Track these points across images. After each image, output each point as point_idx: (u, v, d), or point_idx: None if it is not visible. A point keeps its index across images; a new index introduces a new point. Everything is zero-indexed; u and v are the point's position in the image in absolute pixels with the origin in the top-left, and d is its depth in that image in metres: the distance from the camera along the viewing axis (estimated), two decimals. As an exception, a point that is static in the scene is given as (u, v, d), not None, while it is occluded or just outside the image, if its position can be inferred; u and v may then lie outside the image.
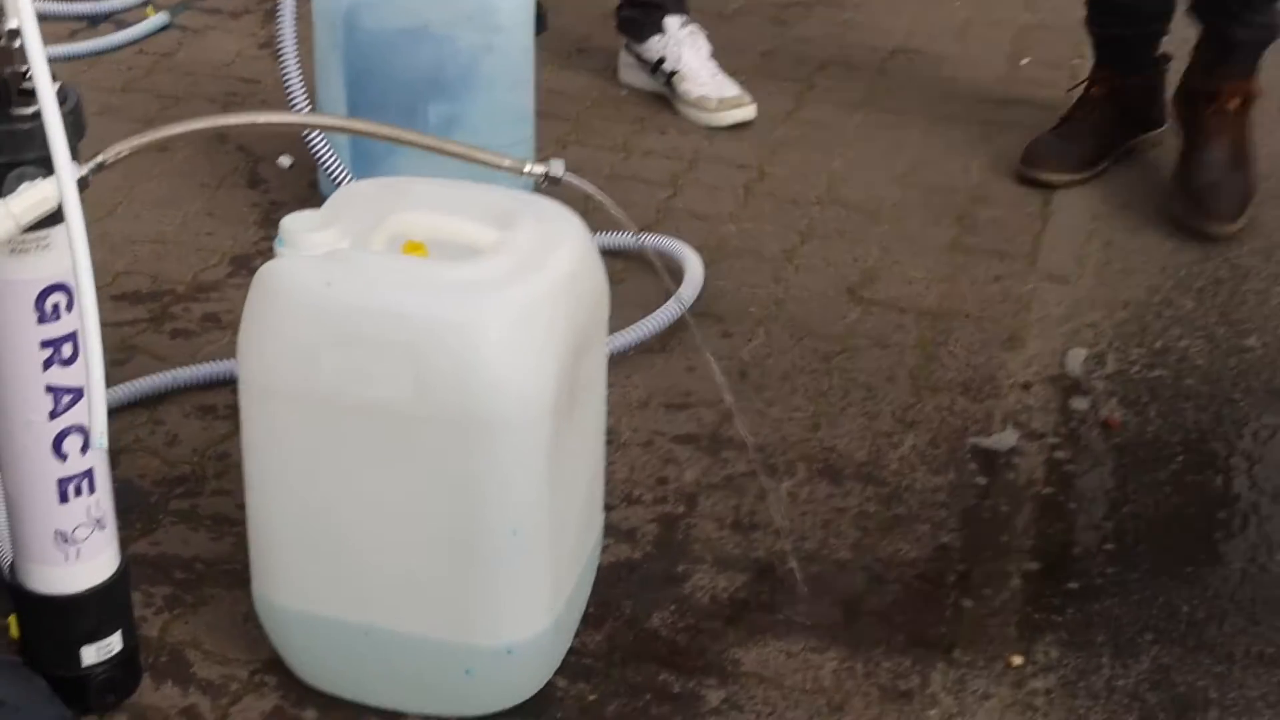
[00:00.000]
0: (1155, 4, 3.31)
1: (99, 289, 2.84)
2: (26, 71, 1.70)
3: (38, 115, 1.68)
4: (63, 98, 1.78)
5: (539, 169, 1.86)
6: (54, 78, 1.73)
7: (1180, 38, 3.39)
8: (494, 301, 1.81)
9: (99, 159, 1.73)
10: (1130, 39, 3.38)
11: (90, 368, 1.60)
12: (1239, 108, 3.25)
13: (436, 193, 2.00)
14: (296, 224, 1.89)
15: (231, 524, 2.31)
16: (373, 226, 1.93)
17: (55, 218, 1.73)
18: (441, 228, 1.93)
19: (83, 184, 1.71)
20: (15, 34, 1.70)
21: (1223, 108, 3.24)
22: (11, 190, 1.71)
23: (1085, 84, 3.44)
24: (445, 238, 1.92)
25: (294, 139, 3.28)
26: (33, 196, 1.69)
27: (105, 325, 2.74)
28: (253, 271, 2.90)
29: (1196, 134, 3.26)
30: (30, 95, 1.71)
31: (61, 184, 1.62)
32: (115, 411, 2.55)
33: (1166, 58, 3.43)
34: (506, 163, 1.86)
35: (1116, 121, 3.41)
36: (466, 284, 1.81)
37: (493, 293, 1.81)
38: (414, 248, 1.92)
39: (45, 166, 1.70)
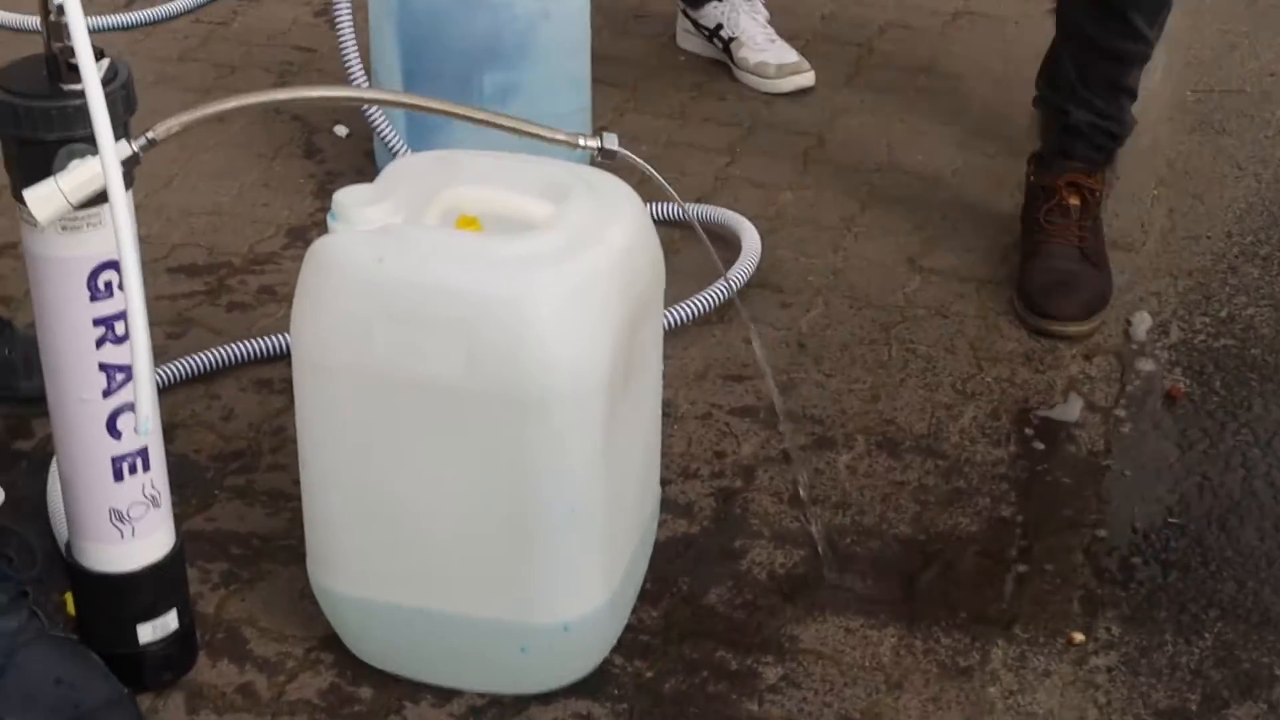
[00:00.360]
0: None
1: (155, 261, 2.87)
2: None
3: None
4: (113, 73, 1.77)
5: (592, 143, 1.84)
6: (103, 53, 1.73)
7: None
8: (547, 277, 1.79)
9: (149, 134, 1.71)
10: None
11: (136, 353, 1.59)
12: (1081, 205, 2.91)
13: (490, 166, 1.98)
14: (349, 198, 1.88)
15: (287, 499, 2.31)
16: (426, 201, 1.91)
17: (106, 194, 1.72)
18: (495, 202, 1.91)
19: (134, 160, 1.70)
20: (61, 9, 1.69)
21: (1062, 204, 2.90)
22: (62, 167, 1.70)
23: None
24: (499, 212, 1.90)
25: (350, 109, 3.27)
26: (83, 174, 1.68)
27: (162, 298, 2.77)
28: (309, 243, 2.91)
29: (1035, 235, 2.90)
30: (79, 70, 1.70)
31: (104, 163, 1.60)
32: (171, 387, 2.55)
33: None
34: (561, 136, 1.83)
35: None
36: (520, 259, 1.80)
37: (546, 268, 1.79)
38: (468, 222, 1.90)
39: (96, 143, 1.69)
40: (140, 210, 2.96)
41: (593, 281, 1.81)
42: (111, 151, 1.61)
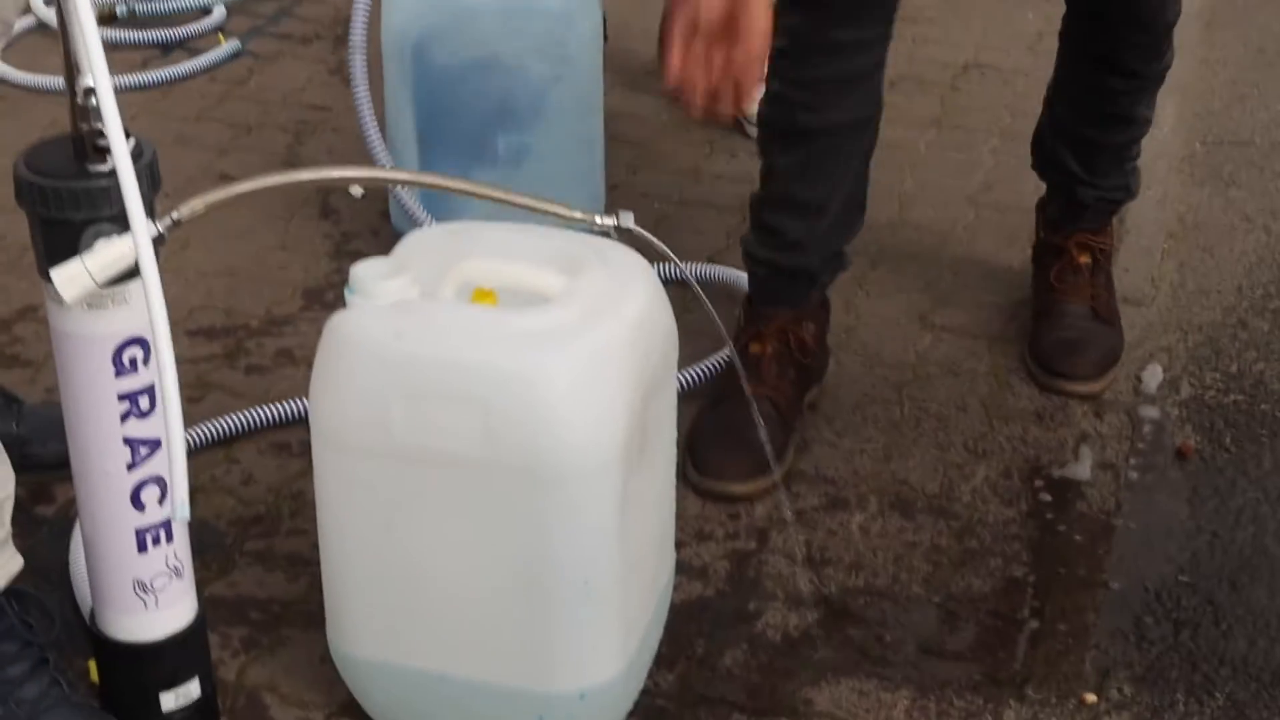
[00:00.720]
0: None
1: (174, 324, 2.85)
2: (102, 129, 1.72)
3: (114, 172, 1.70)
4: (138, 153, 1.80)
5: (609, 221, 1.86)
6: (128, 133, 1.76)
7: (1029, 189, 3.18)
8: (562, 352, 1.81)
9: (175, 215, 1.74)
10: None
11: (171, 442, 1.61)
12: (1091, 264, 2.90)
13: (504, 239, 2.01)
14: (367, 272, 1.90)
15: (306, 564, 2.33)
16: (442, 273, 1.94)
17: (131, 272, 1.75)
18: (510, 275, 1.94)
19: (159, 241, 1.72)
20: (91, 92, 1.72)
21: (1073, 263, 2.89)
22: (88, 247, 1.73)
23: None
24: (514, 285, 1.93)
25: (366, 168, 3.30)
26: (109, 254, 1.70)
27: (181, 362, 2.74)
28: (325, 305, 2.96)
29: (1046, 295, 2.90)
30: (106, 152, 1.73)
31: (139, 249, 1.63)
32: (191, 453, 2.57)
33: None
34: (578, 214, 1.86)
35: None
36: (534, 334, 1.82)
37: (561, 343, 1.82)
38: (483, 295, 1.93)
39: (121, 223, 1.71)
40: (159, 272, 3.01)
41: (607, 355, 1.84)
42: (145, 236, 1.63)
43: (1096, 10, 2.69)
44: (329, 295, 3.02)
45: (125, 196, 1.64)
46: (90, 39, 1.64)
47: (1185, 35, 4.13)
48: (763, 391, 2.60)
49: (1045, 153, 2.92)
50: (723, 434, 2.57)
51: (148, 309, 1.64)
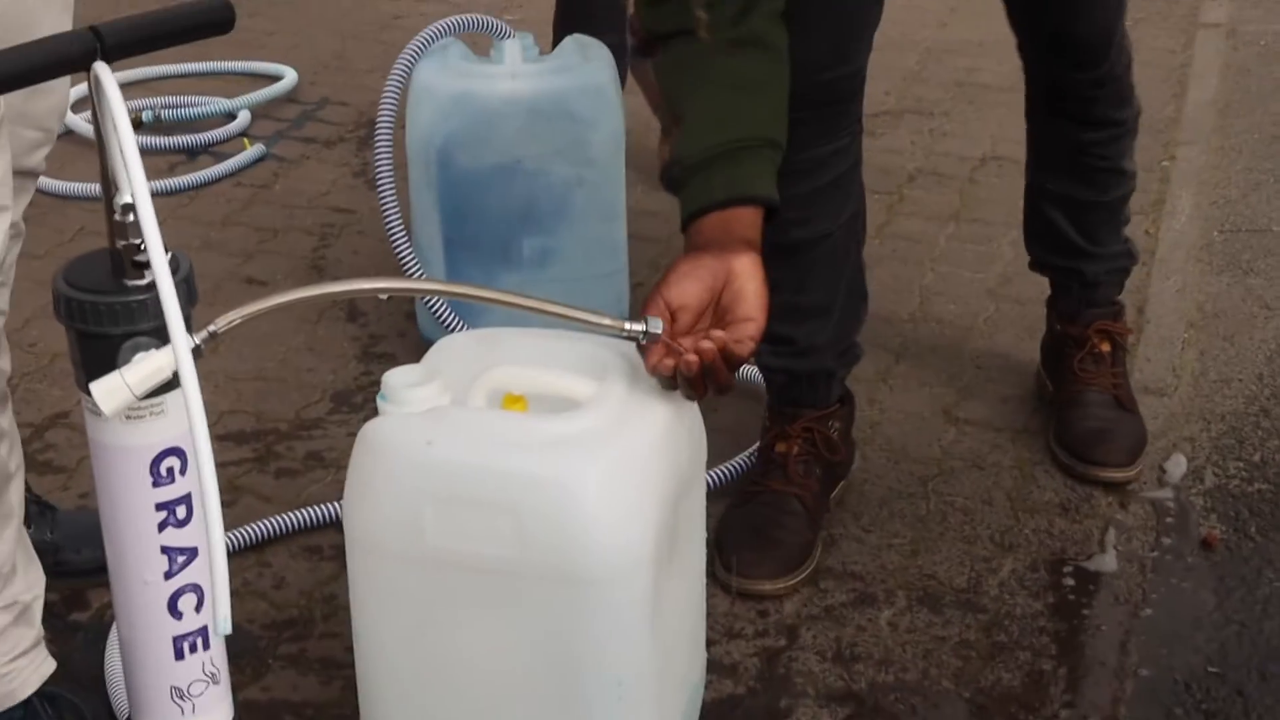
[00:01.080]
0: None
1: (203, 429, 2.92)
2: (140, 244, 1.76)
3: (151, 286, 1.73)
4: (175, 266, 1.83)
5: (637, 327, 1.89)
6: (165, 248, 1.80)
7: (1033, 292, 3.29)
8: (592, 457, 1.83)
9: (210, 328, 1.77)
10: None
11: (214, 559, 1.63)
12: (1112, 351, 2.93)
13: (533, 344, 2.03)
14: (398, 380, 1.93)
15: (340, 667, 2.35)
16: (472, 380, 1.97)
17: (169, 384, 1.78)
18: (539, 381, 1.96)
19: (196, 353, 1.75)
20: (129, 208, 1.76)
21: (1094, 352, 2.91)
22: (126, 361, 1.76)
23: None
24: (543, 391, 1.95)
25: (392, 271, 3.32)
26: (147, 367, 1.73)
27: (211, 466, 2.81)
28: (354, 408, 2.99)
29: (1069, 384, 2.91)
30: (144, 267, 1.77)
31: (180, 367, 1.66)
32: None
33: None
34: (606, 321, 1.89)
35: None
36: (564, 439, 1.84)
37: (591, 447, 1.84)
38: (513, 401, 1.95)
39: (159, 336, 1.75)
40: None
41: (636, 459, 1.86)
42: (187, 354, 1.66)
43: (1046, 64, 2.75)
44: (357, 398, 3.05)
45: (166, 314, 1.67)
46: (130, 156, 1.67)
47: (1199, 124, 4.21)
48: (790, 489, 2.64)
49: (1042, 233, 2.96)
50: (751, 532, 2.60)
51: (190, 426, 1.66)
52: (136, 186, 1.69)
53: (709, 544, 2.24)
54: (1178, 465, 2.84)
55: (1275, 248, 3.63)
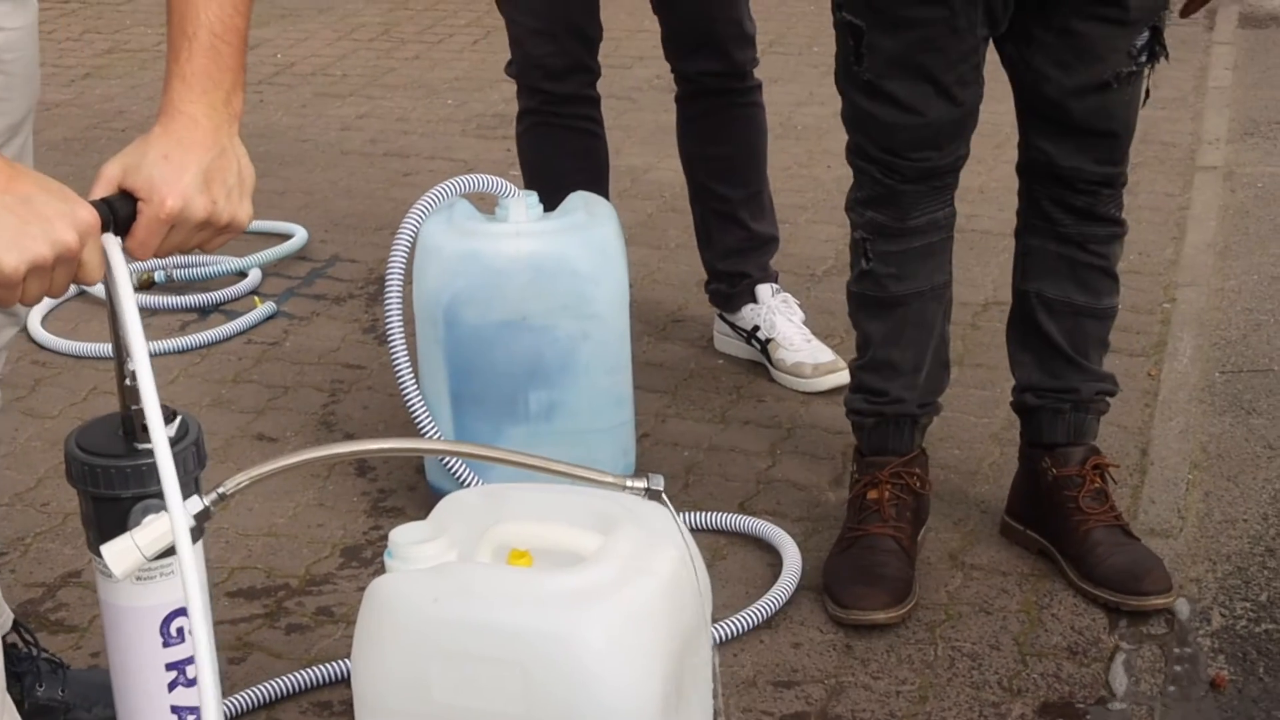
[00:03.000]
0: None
1: (215, 585, 2.96)
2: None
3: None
4: (184, 430, 1.87)
5: (639, 484, 1.91)
6: (175, 413, 1.83)
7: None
8: (597, 612, 1.86)
9: (220, 490, 1.80)
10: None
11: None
12: (1104, 484, 2.98)
13: (539, 500, 2.06)
14: (405, 537, 1.96)
15: (350, 825, 2.35)
16: (478, 536, 1.99)
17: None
18: (545, 536, 1.99)
19: (205, 514, 1.78)
20: (133, 374, 1.79)
21: (1094, 488, 2.96)
22: (137, 523, 1.79)
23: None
24: (549, 546, 1.98)
25: (401, 425, 3.36)
26: (157, 529, 1.76)
27: (222, 623, 2.84)
28: (363, 562, 3.01)
29: (1077, 525, 2.93)
30: (155, 430, 1.80)
31: (175, 530, 1.69)
32: (235, 718, 2.61)
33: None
34: (609, 479, 1.92)
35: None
36: (570, 595, 1.87)
37: (596, 603, 1.86)
38: (518, 556, 1.98)
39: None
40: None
41: (642, 614, 1.88)
42: (182, 518, 1.69)
43: (1065, 159, 2.86)
44: (367, 553, 3.08)
45: (164, 485, 1.70)
46: (134, 333, 1.72)
47: (1199, 266, 4.25)
48: (886, 531, 2.93)
49: (1034, 351, 3.02)
50: (859, 571, 2.87)
51: (185, 594, 1.68)
52: (138, 361, 1.73)
53: (820, 589, 2.83)
54: (1184, 607, 2.85)
55: (1277, 388, 3.66)
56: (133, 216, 1.76)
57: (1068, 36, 2.74)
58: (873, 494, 2.97)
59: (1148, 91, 2.88)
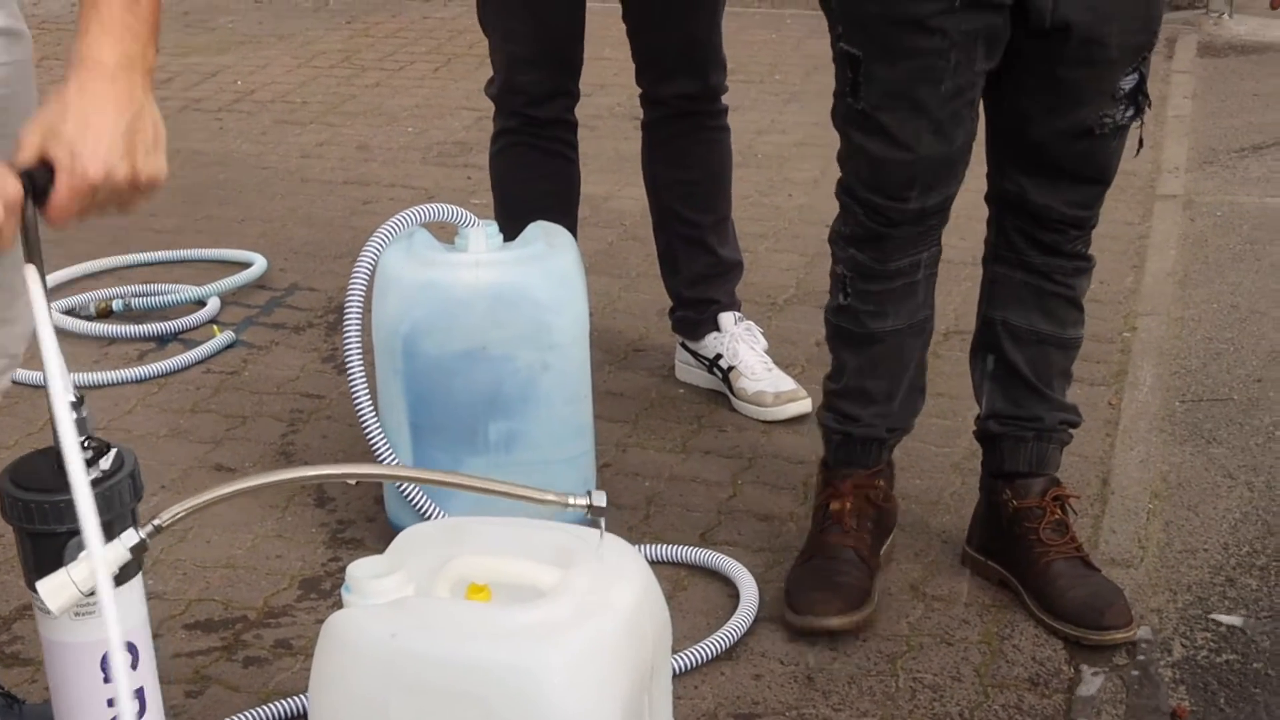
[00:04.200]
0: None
1: (172, 618, 2.93)
2: (85, 441, 1.77)
3: (99, 482, 1.76)
4: (119, 464, 1.85)
5: (581, 501, 1.91)
6: (108, 446, 1.82)
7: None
8: (556, 647, 1.85)
9: (156, 522, 1.80)
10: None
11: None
12: (1064, 516, 2.98)
13: (498, 533, 2.05)
14: (362, 571, 1.94)
15: None
16: (437, 570, 1.98)
17: (118, 578, 1.79)
18: (503, 570, 1.98)
19: (141, 548, 1.77)
20: (76, 405, 1.78)
21: (1054, 520, 2.96)
22: (72, 558, 1.78)
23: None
24: (507, 579, 1.97)
25: (361, 455, 3.34)
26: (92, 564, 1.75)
27: (180, 656, 2.82)
28: (322, 594, 2.99)
29: (1038, 557, 2.93)
30: (89, 464, 1.78)
31: (94, 566, 1.68)
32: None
33: None
34: (550, 497, 1.92)
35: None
36: (528, 629, 1.86)
37: (555, 637, 1.85)
38: (477, 591, 1.96)
39: (107, 531, 1.76)
40: (157, 566, 3.04)
41: (601, 648, 1.87)
42: (99, 552, 1.68)
43: (1041, 196, 2.86)
44: (326, 584, 3.05)
45: (80, 517, 1.68)
46: (51, 366, 1.71)
47: (1159, 295, 4.26)
48: (847, 542, 2.96)
49: (999, 379, 3.01)
50: (817, 578, 2.91)
51: (105, 625, 1.67)
52: (53, 395, 1.72)
53: (782, 599, 2.88)
54: (1145, 637, 2.85)
55: (1237, 417, 3.66)
56: (51, 184, 1.75)
57: (1053, 80, 2.73)
58: (835, 505, 3.01)
59: (1141, 141, 2.89)
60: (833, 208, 2.91)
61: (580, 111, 3.64)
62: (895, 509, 3.12)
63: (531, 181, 3.64)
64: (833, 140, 2.86)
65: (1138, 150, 2.89)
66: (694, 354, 3.79)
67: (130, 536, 1.76)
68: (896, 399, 3.02)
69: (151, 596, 2.04)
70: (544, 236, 3.10)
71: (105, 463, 1.81)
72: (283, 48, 7.08)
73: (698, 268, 3.75)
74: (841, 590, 2.87)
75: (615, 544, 2.03)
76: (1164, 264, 4.53)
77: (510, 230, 3.09)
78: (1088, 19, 2.65)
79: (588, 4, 3.51)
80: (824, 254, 3.05)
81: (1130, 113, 2.79)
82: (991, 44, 2.69)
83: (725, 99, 3.69)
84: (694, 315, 3.77)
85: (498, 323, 2.97)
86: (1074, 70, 2.72)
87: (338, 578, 3.03)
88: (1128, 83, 2.76)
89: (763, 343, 3.76)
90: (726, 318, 3.75)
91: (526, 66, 3.53)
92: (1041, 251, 2.91)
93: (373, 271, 3.04)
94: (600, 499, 1.93)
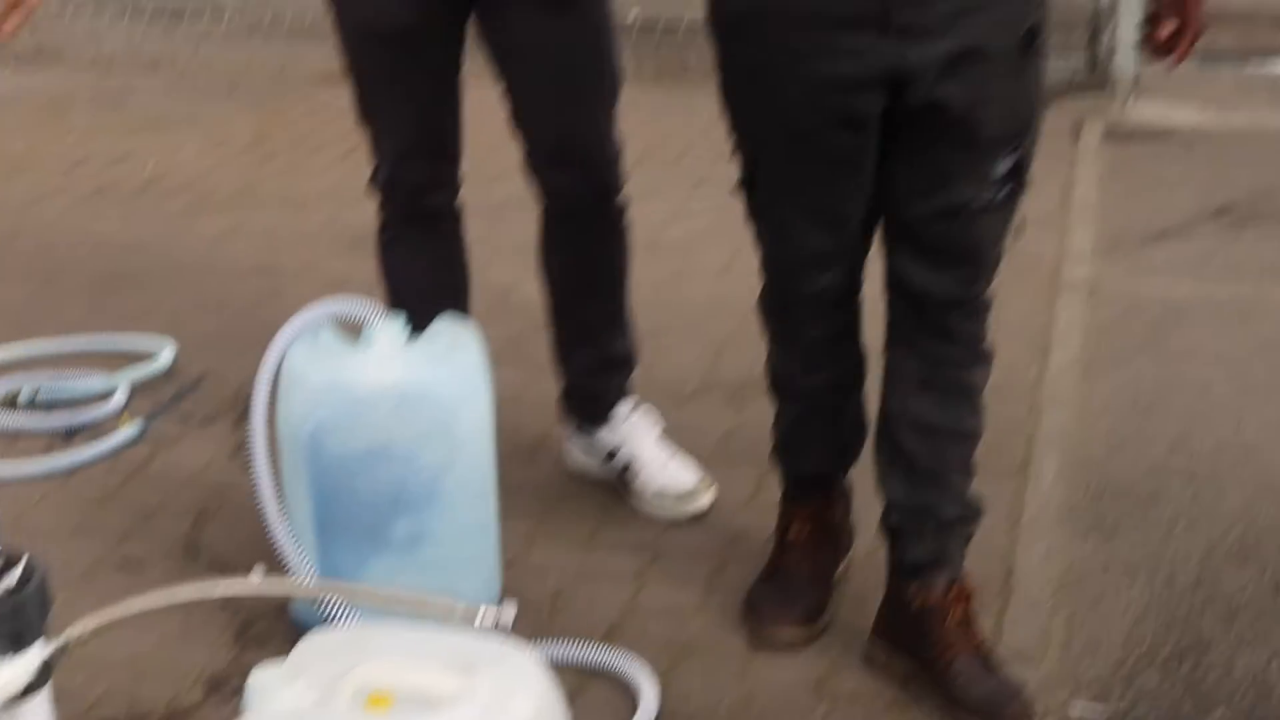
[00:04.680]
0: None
1: (75, 718, 2.90)
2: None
3: (7, 596, 1.75)
4: (29, 574, 1.84)
5: (490, 618, 1.92)
6: (20, 555, 1.81)
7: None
8: (455, 758, 1.85)
9: (62, 640, 1.79)
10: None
11: None
12: (967, 611, 3.01)
13: (401, 641, 2.06)
14: (264, 680, 1.94)
15: None
16: (338, 678, 1.98)
17: (25, 692, 1.78)
18: (405, 678, 1.99)
19: (48, 668, 1.76)
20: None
21: (958, 618, 2.99)
22: (-20, 677, 1.77)
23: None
24: (409, 688, 1.97)
25: (268, 550, 3.31)
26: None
27: (81, 759, 2.79)
28: (229, 693, 2.98)
29: (942, 653, 2.95)
30: (1, 575, 1.78)
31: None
32: None
33: None
34: (458, 613, 1.93)
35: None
36: (428, 740, 1.86)
37: (454, 748, 1.86)
38: (378, 700, 1.96)
39: (15, 643, 1.75)
40: (60, 661, 3.01)
41: (500, 760, 1.88)
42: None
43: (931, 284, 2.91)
44: (233, 682, 3.03)
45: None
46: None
47: (1063, 385, 4.30)
48: (802, 566, 3.23)
49: (895, 465, 3.03)
50: (774, 596, 3.20)
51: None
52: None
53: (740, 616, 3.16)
54: (1081, 702, 2.87)
55: (1136, 510, 3.69)
56: None
57: (923, 162, 2.77)
58: (793, 532, 3.27)
59: (1023, 220, 2.91)
60: (741, 296, 2.96)
61: (485, 199, 3.65)
62: (852, 535, 3.36)
63: (423, 272, 3.64)
64: (741, 225, 2.99)
65: (1018, 234, 2.91)
66: (588, 444, 3.79)
67: (35, 656, 1.76)
68: (841, 440, 3.24)
69: (55, 694, 2.02)
70: (449, 332, 3.11)
71: (13, 576, 1.81)
72: (192, 132, 7.05)
73: (587, 361, 3.74)
74: (798, 606, 3.16)
75: (517, 650, 2.04)
76: (1068, 353, 4.58)
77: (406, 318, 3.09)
78: (963, 100, 2.69)
79: (479, 90, 3.51)
80: (731, 344, 3.10)
81: (1004, 193, 2.81)
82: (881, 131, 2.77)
83: (632, 186, 3.65)
84: (583, 407, 3.77)
85: (401, 421, 2.97)
86: (947, 152, 2.75)
87: (244, 676, 3.00)
88: (1004, 165, 2.79)
89: (657, 427, 3.75)
90: (620, 410, 3.75)
91: (405, 161, 3.52)
92: (931, 335, 2.93)
93: (278, 372, 3.04)
94: (509, 614, 1.95)
